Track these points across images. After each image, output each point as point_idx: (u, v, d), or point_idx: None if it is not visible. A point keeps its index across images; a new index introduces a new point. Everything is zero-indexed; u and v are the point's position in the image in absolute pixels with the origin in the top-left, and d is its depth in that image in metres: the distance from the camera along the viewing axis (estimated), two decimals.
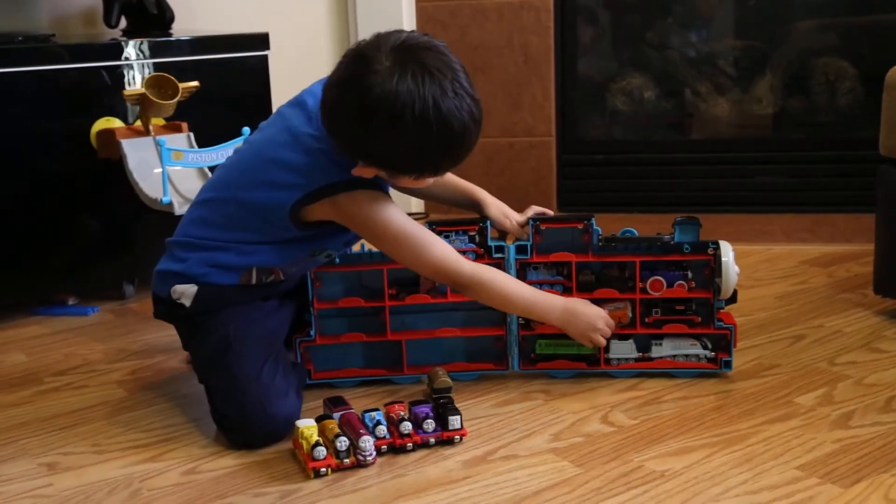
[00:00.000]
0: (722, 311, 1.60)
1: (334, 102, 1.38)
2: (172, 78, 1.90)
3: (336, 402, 1.47)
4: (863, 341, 1.75)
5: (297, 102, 1.51)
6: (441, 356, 1.63)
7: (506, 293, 1.53)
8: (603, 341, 1.57)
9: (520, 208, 1.69)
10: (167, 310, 1.56)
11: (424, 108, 1.31)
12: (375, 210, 1.45)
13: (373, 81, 1.32)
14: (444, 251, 1.49)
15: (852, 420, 1.44)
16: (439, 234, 1.57)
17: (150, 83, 1.90)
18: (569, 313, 1.55)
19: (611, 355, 1.62)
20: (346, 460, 1.34)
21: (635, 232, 1.62)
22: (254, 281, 1.51)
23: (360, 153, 1.39)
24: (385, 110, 1.32)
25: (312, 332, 1.58)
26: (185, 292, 1.51)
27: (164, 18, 2.28)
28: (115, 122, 1.99)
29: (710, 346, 1.61)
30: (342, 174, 1.42)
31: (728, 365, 1.60)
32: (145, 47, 2.05)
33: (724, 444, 1.38)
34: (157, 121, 1.96)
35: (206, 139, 1.95)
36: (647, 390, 1.57)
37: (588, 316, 1.56)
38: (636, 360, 1.62)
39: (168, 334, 1.91)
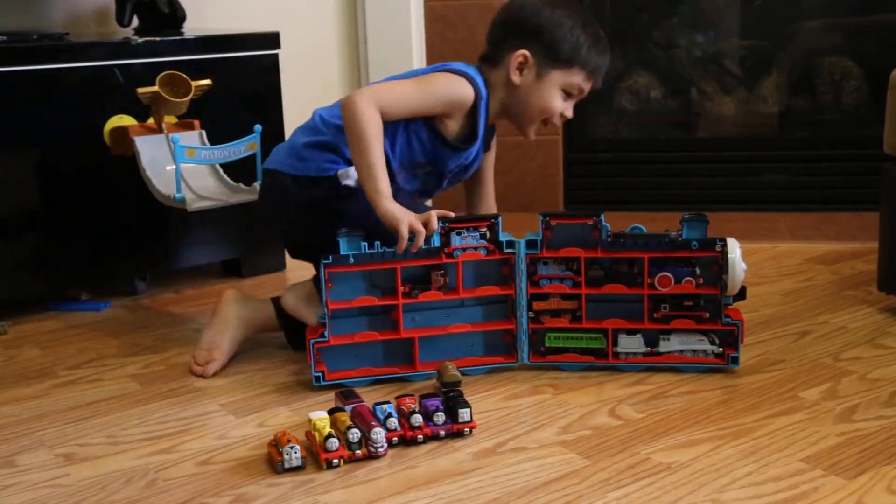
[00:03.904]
0: (729, 307, 1.62)
1: None
2: (185, 76, 1.92)
3: (348, 396, 1.49)
4: (867, 337, 1.77)
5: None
6: (451, 351, 1.65)
7: (362, 144, 1.60)
8: (402, 230, 1.55)
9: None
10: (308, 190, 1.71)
11: None
12: None
13: None
14: (386, 93, 1.65)
15: (856, 414, 1.46)
16: (450, 230, 1.60)
17: (163, 81, 1.92)
18: (391, 203, 1.58)
19: (619, 350, 1.64)
20: (358, 452, 1.36)
21: (643, 228, 1.64)
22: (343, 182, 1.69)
23: None
24: None
25: (326, 333, 1.60)
26: (349, 174, 1.68)
27: (176, 17, 2.30)
28: (128, 120, 2.01)
29: (717, 341, 1.63)
30: None
31: (735, 361, 1.62)
32: (158, 46, 2.07)
33: (730, 437, 1.40)
34: (169, 118, 1.99)
35: (217, 137, 1.98)
36: (654, 384, 1.59)
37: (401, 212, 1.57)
38: (644, 354, 1.64)
39: (180, 329, 1.94)
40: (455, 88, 1.70)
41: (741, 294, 1.61)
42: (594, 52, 1.73)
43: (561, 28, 1.71)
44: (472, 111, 1.72)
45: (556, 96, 1.73)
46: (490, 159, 1.89)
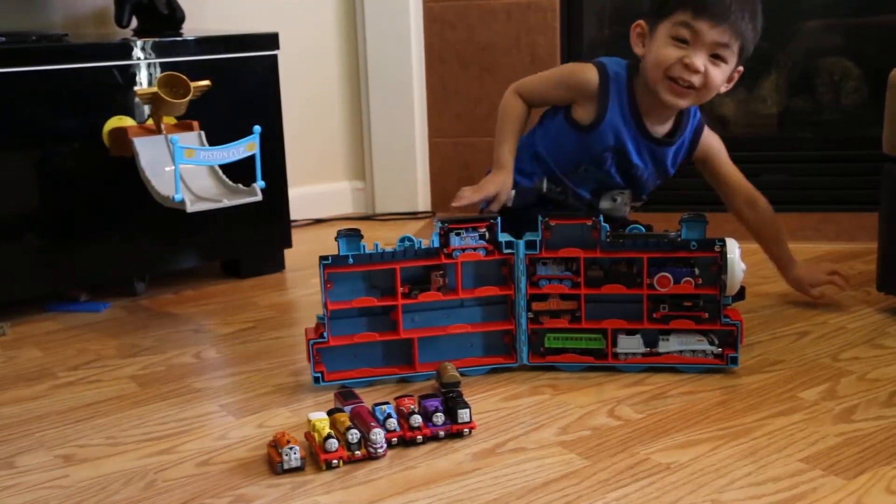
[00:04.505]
0: (729, 307, 1.62)
1: None
2: (185, 77, 1.92)
3: (347, 396, 1.49)
4: (866, 338, 1.77)
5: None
6: (450, 352, 1.65)
7: (498, 120, 1.84)
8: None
9: None
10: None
11: None
12: None
13: None
14: (526, 80, 1.85)
15: (855, 414, 1.46)
16: (450, 231, 1.60)
17: (162, 82, 1.92)
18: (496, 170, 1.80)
19: (618, 350, 1.64)
20: (358, 452, 1.36)
21: (642, 229, 1.64)
22: (545, 189, 1.80)
23: None
24: None
25: (325, 334, 1.60)
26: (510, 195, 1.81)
27: (175, 18, 2.31)
28: (128, 121, 2.01)
29: (716, 342, 1.63)
30: None
31: (734, 361, 1.62)
32: (156, 47, 2.07)
33: (729, 437, 1.40)
34: (168, 119, 1.99)
35: (216, 138, 1.98)
36: (653, 385, 1.59)
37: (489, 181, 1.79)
38: (643, 355, 1.64)
39: (179, 330, 1.94)
40: (574, 72, 1.79)
41: (740, 294, 1.61)
42: None
43: None
44: (603, 97, 1.76)
45: (665, 46, 1.71)
46: (718, 158, 1.93)
